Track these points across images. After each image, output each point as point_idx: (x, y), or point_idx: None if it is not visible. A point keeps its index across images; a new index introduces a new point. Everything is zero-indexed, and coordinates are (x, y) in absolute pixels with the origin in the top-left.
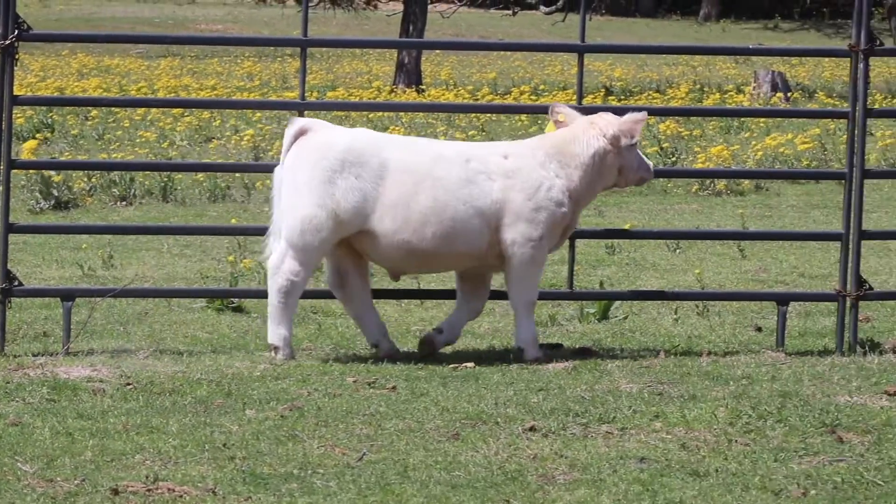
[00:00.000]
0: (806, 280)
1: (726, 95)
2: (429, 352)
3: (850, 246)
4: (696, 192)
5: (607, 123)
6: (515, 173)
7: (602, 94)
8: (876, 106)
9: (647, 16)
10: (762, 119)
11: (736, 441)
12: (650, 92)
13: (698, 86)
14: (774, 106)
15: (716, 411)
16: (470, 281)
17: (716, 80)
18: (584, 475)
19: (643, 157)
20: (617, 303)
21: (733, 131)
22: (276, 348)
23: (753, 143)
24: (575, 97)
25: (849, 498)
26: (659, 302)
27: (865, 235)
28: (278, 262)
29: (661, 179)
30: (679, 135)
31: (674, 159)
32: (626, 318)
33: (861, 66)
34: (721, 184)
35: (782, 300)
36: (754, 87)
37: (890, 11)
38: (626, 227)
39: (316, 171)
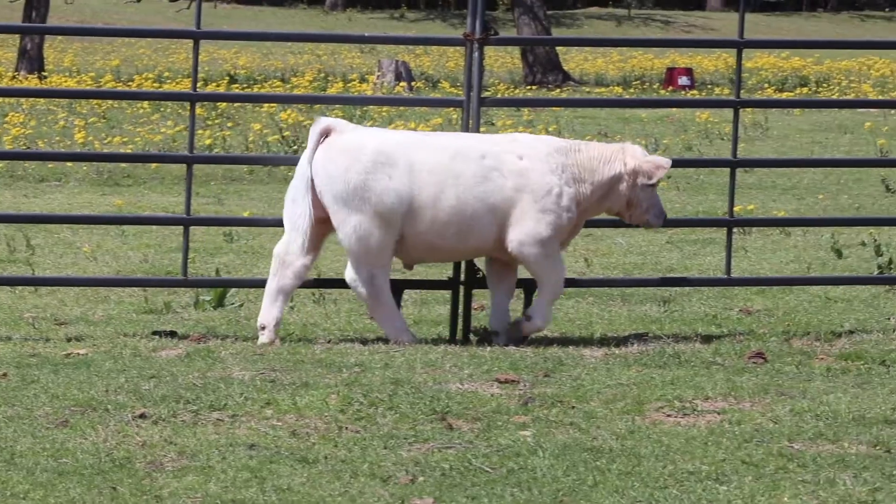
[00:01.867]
0: (422, 268)
1: (350, 84)
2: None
3: None
4: None
5: (633, 156)
6: (527, 174)
7: (226, 81)
8: (499, 95)
9: (275, 4)
10: (385, 108)
11: (346, 428)
12: (274, 80)
13: (323, 74)
14: (397, 95)
15: (327, 398)
16: (497, 264)
17: (341, 69)
18: (193, 462)
19: (660, 204)
20: (233, 290)
21: (356, 120)
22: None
23: None
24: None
25: (456, 484)
26: None
27: None
28: (352, 274)
29: (283, 168)
30: (301, 124)
31: (295, 147)
32: (241, 305)
33: (476, 55)
34: None
35: (397, 288)
36: (378, 77)
37: (514, 3)
38: (246, 214)
39: (350, 176)
